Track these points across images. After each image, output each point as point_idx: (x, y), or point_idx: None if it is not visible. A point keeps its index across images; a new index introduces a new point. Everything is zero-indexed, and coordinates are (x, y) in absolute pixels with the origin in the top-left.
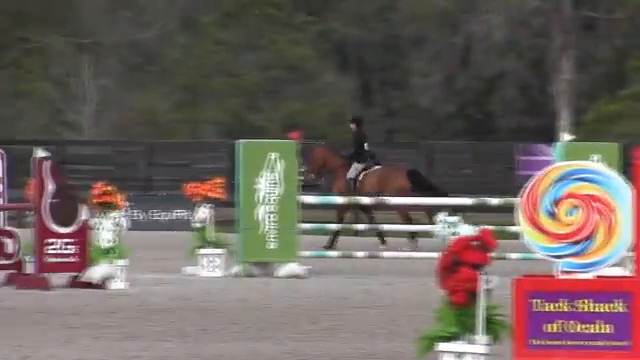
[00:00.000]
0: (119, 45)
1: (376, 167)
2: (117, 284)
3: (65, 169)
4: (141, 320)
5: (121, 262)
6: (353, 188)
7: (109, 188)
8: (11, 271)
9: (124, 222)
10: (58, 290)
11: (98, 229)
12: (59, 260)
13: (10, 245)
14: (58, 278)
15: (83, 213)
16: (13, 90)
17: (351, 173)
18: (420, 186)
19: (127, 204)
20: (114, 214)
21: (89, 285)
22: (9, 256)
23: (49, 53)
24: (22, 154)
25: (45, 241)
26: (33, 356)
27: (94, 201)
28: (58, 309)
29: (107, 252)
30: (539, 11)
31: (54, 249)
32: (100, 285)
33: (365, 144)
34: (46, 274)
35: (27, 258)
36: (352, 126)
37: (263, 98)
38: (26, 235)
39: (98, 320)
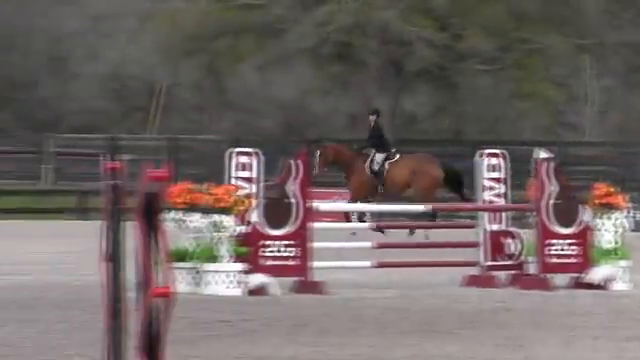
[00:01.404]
0: (621, 46)
1: (398, 156)
2: (619, 285)
3: (566, 170)
4: None
5: (623, 263)
6: (382, 179)
7: (611, 189)
8: (514, 272)
9: (626, 223)
10: (559, 291)
11: (599, 230)
12: (560, 261)
13: (512, 246)
14: (560, 279)
15: (584, 214)
16: (515, 91)
17: (375, 165)
18: (452, 180)
19: (629, 205)
20: (616, 215)
21: (590, 286)
22: (511, 257)
23: (550, 54)
24: (524, 155)
25: (547, 242)
26: (533, 356)
27: (596, 202)
28: (559, 310)
29: (608, 253)
30: None
31: (556, 250)
32: (602, 286)
33: (383, 135)
34: (548, 275)
35: (529, 259)
36: (372, 117)
37: None
38: (528, 236)
39: (600, 321)
